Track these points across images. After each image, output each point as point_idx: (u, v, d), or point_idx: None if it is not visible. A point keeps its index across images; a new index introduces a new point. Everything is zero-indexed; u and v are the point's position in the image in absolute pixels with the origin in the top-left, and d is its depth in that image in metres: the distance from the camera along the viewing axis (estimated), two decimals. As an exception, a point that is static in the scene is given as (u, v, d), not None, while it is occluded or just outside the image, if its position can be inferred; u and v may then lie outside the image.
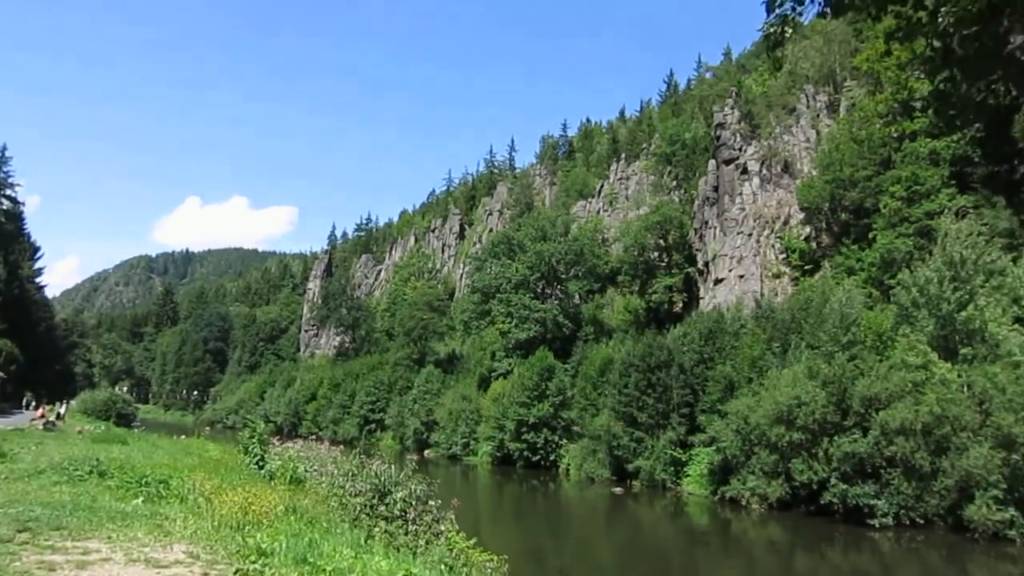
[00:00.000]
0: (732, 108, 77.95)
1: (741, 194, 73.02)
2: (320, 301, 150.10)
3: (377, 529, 15.13)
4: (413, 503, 16.43)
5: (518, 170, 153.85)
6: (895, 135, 60.42)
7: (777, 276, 66.71)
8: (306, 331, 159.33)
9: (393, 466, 17.41)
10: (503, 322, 77.95)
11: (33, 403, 77.93)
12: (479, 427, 70.56)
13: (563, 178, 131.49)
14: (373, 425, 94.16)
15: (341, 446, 32.33)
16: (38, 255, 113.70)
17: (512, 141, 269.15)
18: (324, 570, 7.29)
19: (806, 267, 64.86)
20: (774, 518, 39.22)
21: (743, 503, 41.00)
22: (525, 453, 62.17)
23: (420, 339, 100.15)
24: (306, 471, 21.24)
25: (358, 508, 15.59)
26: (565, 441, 61.74)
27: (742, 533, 39.49)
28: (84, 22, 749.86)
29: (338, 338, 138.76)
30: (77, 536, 8.93)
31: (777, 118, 76.37)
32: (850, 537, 34.51)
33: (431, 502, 16.75)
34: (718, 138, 77.48)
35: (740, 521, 40.29)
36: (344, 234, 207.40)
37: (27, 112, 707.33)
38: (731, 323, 55.83)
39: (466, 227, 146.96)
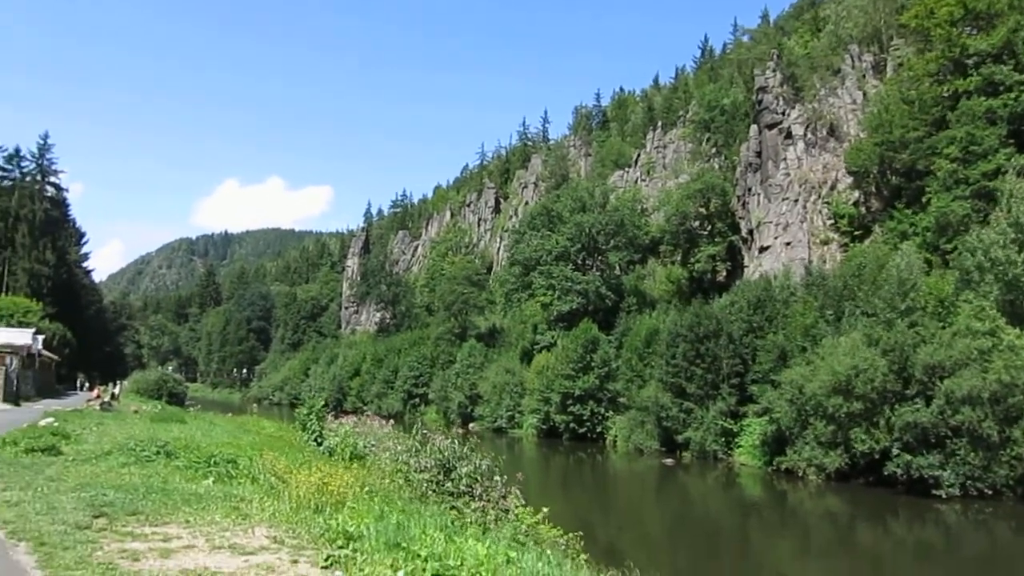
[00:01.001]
0: (774, 71, 75.79)
1: (785, 159, 71.20)
2: (359, 278, 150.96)
3: (444, 505, 14.83)
4: (479, 478, 16.09)
5: (552, 142, 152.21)
6: (947, 94, 58.26)
7: (825, 242, 65.04)
8: (346, 308, 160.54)
9: (456, 441, 17.03)
10: (544, 294, 77.45)
11: (87, 384, 79.72)
12: (523, 400, 70.39)
13: (598, 148, 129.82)
14: (417, 399, 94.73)
15: (392, 421, 32.24)
16: (84, 240, 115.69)
17: (545, 113, 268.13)
18: (419, 556, 6.84)
19: (855, 233, 63.11)
20: (832, 489, 38.36)
21: (799, 474, 40.14)
22: (571, 425, 61.87)
23: (460, 313, 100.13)
24: (364, 447, 21.05)
25: (424, 484, 15.27)
26: (611, 413, 61.27)
27: (799, 504, 38.75)
28: (122, 9, 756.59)
29: (378, 314, 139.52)
30: (155, 521, 8.64)
31: (821, 80, 74.08)
32: (914, 508, 33.58)
33: (496, 477, 16.38)
34: (760, 102, 75.48)
35: (796, 492, 39.51)
36: (379, 211, 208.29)
37: (67, 100, 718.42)
38: (780, 291, 54.61)
39: (501, 200, 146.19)
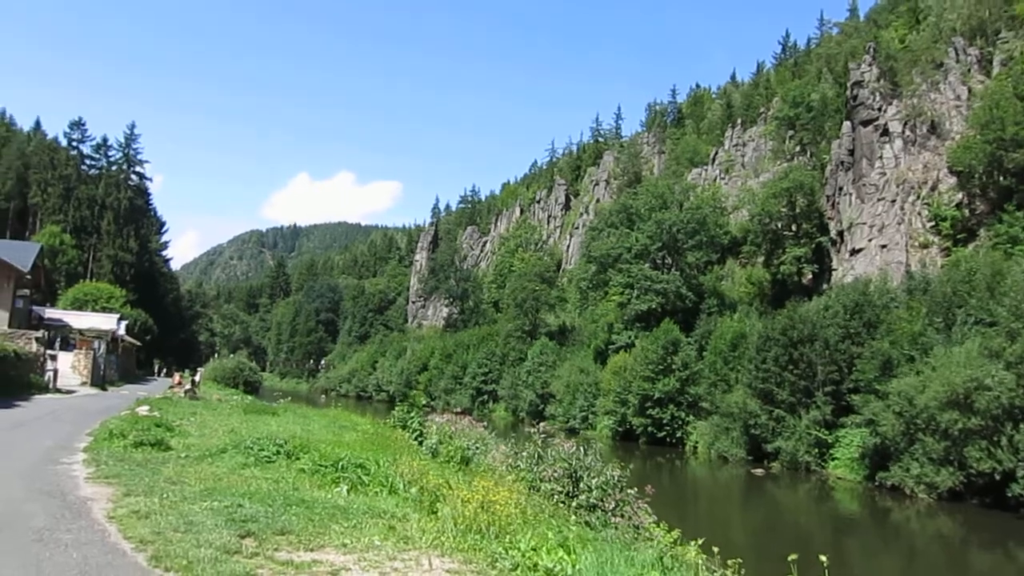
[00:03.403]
0: (870, 65, 72.31)
1: (881, 157, 67.80)
2: (427, 273, 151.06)
3: (578, 521, 13.40)
4: (609, 491, 14.61)
5: (625, 139, 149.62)
6: (1065, 88, 54.60)
7: (925, 246, 61.57)
8: (413, 302, 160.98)
9: (582, 447, 15.58)
10: (620, 293, 75.55)
11: (164, 370, 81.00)
12: (598, 401, 68.62)
13: (672, 146, 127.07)
14: (486, 396, 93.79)
15: (483, 421, 31.00)
16: (164, 230, 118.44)
17: (619, 109, 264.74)
18: (658, 610, 5.45)
19: (958, 236, 59.60)
20: (944, 510, 35.68)
21: (907, 491, 37.54)
22: (649, 429, 59.83)
23: (531, 310, 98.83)
24: (468, 449, 19.82)
25: (555, 497, 13.87)
26: (692, 418, 59.08)
27: (904, 523, 36.15)
28: (199, 3, 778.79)
29: (446, 309, 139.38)
30: (308, 544, 7.45)
31: (922, 74, 70.23)
32: (1042, 534, 30.81)
33: (628, 490, 14.89)
34: (855, 97, 72.06)
35: (903, 510, 36.90)
36: (447, 207, 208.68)
37: (149, 91, 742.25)
38: (878, 296, 51.63)
39: (572, 198, 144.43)
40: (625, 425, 62.78)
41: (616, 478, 14.96)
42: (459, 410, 44.03)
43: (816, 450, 45.88)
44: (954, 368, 35.58)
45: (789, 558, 5.94)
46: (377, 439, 18.27)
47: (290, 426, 19.60)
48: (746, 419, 49.32)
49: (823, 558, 5.69)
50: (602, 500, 14.37)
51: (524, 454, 15.94)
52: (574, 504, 14.51)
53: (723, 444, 52.39)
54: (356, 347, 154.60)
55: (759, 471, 46.94)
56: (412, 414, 21.07)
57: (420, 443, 20.30)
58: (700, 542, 8.50)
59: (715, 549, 7.68)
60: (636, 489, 15.25)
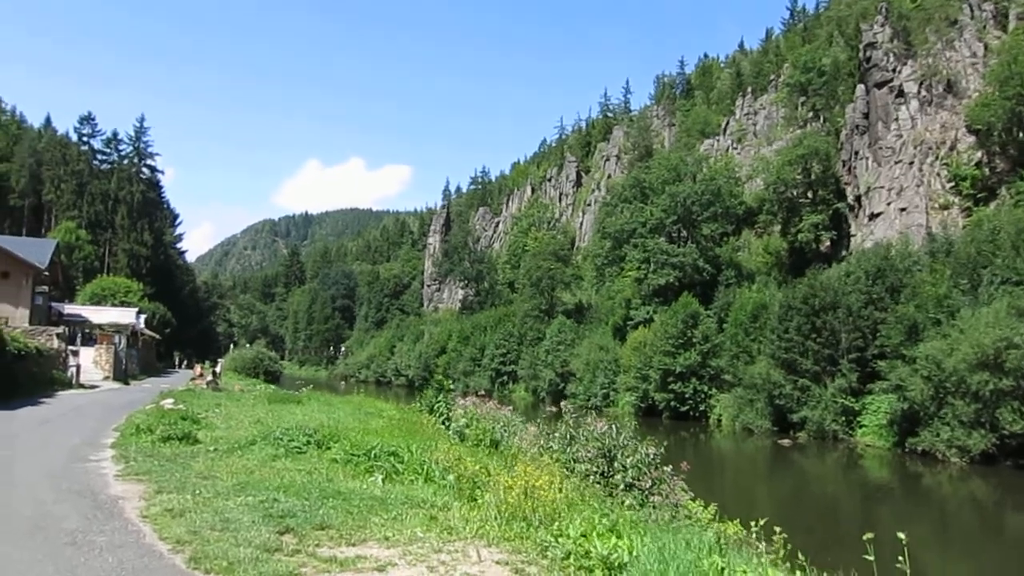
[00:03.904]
0: (883, 25, 70.91)
1: (897, 119, 66.64)
2: (441, 256, 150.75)
3: (614, 501, 13.09)
4: (645, 470, 14.28)
5: (634, 113, 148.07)
6: (1086, 40, 53.29)
7: (945, 207, 60.57)
8: (428, 286, 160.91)
9: (614, 426, 15.25)
10: (637, 268, 75.00)
11: (184, 362, 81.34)
12: (618, 377, 68.31)
13: (682, 118, 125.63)
14: (505, 377, 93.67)
15: (508, 403, 30.79)
16: (178, 222, 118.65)
17: (627, 83, 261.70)
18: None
19: (979, 195, 58.58)
20: (977, 473, 35.25)
21: (938, 456, 37.09)
22: (672, 403, 59.49)
23: (547, 289, 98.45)
24: (496, 431, 19.56)
25: (591, 478, 13.58)
26: (715, 391, 58.69)
27: (936, 487, 35.74)
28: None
29: (461, 292, 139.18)
30: (349, 538, 7.17)
31: (937, 32, 68.74)
32: (1079, 495, 30.35)
33: (664, 468, 14.56)
34: (868, 59, 70.75)
35: (934, 475, 36.48)
36: (458, 189, 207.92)
37: (158, 82, 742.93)
38: (900, 260, 50.90)
39: (583, 174, 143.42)
40: (647, 401, 62.48)
41: (651, 456, 14.64)
42: (482, 392, 44.00)
43: (843, 418, 45.46)
44: (983, 329, 35.04)
45: (865, 537, 5.58)
46: (404, 424, 18.03)
47: (316, 414, 19.40)
48: (770, 390, 48.91)
49: (901, 535, 5.34)
50: (638, 479, 14.06)
51: (556, 435, 15.65)
52: (620, 487, 14.22)
53: (747, 416, 52.01)
54: (373, 333, 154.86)
55: (786, 441, 46.61)
56: (440, 398, 20.87)
57: (447, 427, 20.08)
58: (763, 522, 8.14)
59: (777, 529, 7.33)
60: (671, 466, 14.92)
